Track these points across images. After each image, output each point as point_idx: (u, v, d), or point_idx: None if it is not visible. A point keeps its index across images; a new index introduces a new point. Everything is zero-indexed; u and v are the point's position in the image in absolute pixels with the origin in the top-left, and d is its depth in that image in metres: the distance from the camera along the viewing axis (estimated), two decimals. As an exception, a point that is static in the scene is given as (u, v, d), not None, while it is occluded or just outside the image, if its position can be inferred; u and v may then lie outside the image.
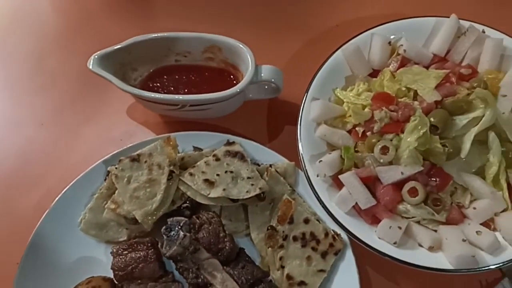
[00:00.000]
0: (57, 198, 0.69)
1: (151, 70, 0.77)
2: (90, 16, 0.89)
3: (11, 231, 0.74)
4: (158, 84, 0.75)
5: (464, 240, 0.59)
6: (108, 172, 0.69)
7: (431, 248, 0.60)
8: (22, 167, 0.77)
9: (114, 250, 0.65)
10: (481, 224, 0.61)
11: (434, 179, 0.63)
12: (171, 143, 0.68)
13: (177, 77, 0.76)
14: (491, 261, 0.58)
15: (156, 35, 0.73)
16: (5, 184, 0.76)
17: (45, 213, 0.68)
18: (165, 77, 0.76)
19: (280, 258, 0.63)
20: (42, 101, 0.82)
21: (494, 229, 0.61)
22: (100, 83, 0.72)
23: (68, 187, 0.69)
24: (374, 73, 0.72)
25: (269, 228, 0.64)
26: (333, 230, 0.63)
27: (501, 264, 0.58)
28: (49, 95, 0.82)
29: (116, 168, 0.66)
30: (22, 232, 0.69)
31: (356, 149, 0.67)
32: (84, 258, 0.67)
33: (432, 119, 0.62)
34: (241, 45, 0.69)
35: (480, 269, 0.58)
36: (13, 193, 0.76)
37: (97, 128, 0.78)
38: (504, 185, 0.62)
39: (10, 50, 0.88)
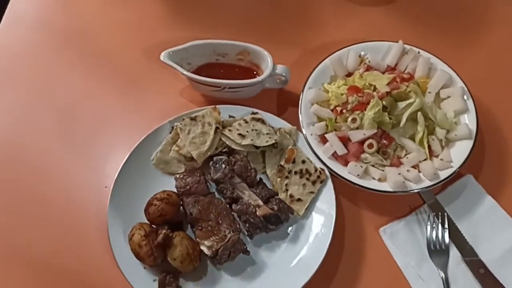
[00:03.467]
0: (137, 143, 1.00)
1: (199, 65, 1.11)
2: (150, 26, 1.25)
3: (100, 163, 1.04)
4: (203, 74, 1.10)
5: (399, 174, 0.95)
6: (172, 127, 1.03)
7: (379, 180, 0.94)
8: (103, 124, 1.10)
9: (178, 176, 0.98)
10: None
11: (383, 140, 1.00)
12: (216, 110, 1.03)
13: (216, 71, 1.12)
14: (414, 187, 0.92)
15: (207, 41, 1.07)
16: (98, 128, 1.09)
17: (129, 152, 1.00)
18: (208, 70, 1.11)
19: (286, 185, 0.98)
20: (117, 83, 1.16)
21: (418, 171, 0.98)
22: (157, 72, 1.09)
23: (144, 137, 1.01)
24: (349, 74, 1.06)
25: (279, 166, 0.99)
26: (320, 168, 0.99)
27: (420, 189, 0.92)
28: (122, 79, 1.16)
29: (180, 124, 1.01)
30: (112, 163, 1.02)
31: (336, 121, 1.03)
32: (154, 183, 0.99)
33: (384, 102, 0.98)
34: (264, 51, 1.04)
35: (408, 191, 0.92)
36: (103, 138, 1.08)
37: (159, 102, 1.11)
38: (426, 145, 0.96)
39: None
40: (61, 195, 1.02)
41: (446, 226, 0.94)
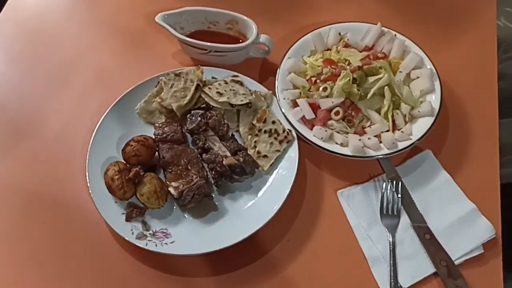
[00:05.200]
0: (124, 93, 1.10)
1: (192, 31, 1.20)
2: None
3: (89, 110, 1.12)
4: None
5: (359, 140, 1.01)
6: (158, 82, 1.12)
7: (341, 145, 0.99)
8: (100, 76, 1.20)
9: (157, 125, 1.06)
10: (373, 137, 1.05)
11: (351, 111, 1.07)
12: (200, 69, 1.11)
13: (207, 38, 1.19)
14: (373, 153, 0.98)
15: (200, 7, 1.16)
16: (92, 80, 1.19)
17: (115, 101, 1.08)
18: (199, 37, 1.20)
19: (255, 142, 1.05)
20: (114, 44, 1.27)
21: (380, 141, 1.04)
22: (153, 36, 1.20)
23: (132, 87, 1.09)
24: (327, 50, 1.17)
25: (251, 124, 1.07)
26: (288, 129, 1.06)
27: (378, 156, 0.99)
28: (120, 40, 1.27)
29: (165, 78, 1.09)
30: (101, 112, 1.11)
31: (309, 90, 1.10)
32: (135, 130, 1.07)
33: (354, 75, 1.06)
34: (250, 20, 1.13)
35: (366, 157, 0.99)
36: (97, 89, 1.17)
37: (151, 63, 1.20)
38: (390, 118, 1.02)
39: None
40: (51, 133, 1.12)
41: (400, 193, 0.99)
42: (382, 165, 1.04)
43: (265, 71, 1.18)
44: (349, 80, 1.04)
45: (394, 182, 1.00)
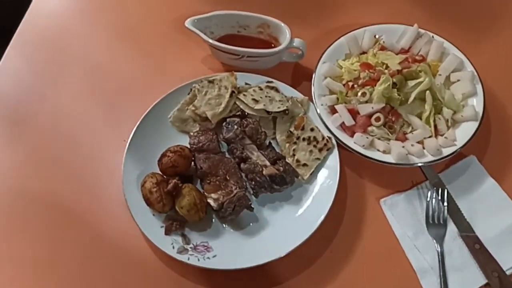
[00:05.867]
0: (156, 101, 1.06)
1: (221, 35, 1.16)
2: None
3: (121, 120, 1.10)
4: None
5: (403, 147, 0.98)
6: (191, 89, 1.09)
7: (384, 152, 0.97)
8: (130, 84, 1.16)
9: (192, 134, 1.03)
10: (415, 143, 1.02)
11: (391, 116, 1.03)
12: (233, 75, 1.08)
13: (237, 42, 1.16)
14: (417, 161, 0.95)
15: (230, 11, 1.13)
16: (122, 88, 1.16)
17: (147, 110, 1.05)
18: (229, 41, 1.17)
19: (293, 150, 1.02)
20: (142, 51, 1.23)
21: (423, 147, 1.01)
22: (182, 42, 1.16)
23: (164, 95, 1.06)
24: (363, 53, 1.13)
25: (288, 132, 1.04)
26: (327, 136, 1.03)
27: (422, 163, 0.95)
28: (148, 46, 1.23)
29: (198, 85, 1.06)
30: (132, 120, 1.08)
31: (346, 95, 1.07)
32: (169, 139, 1.04)
33: (394, 80, 1.02)
34: (283, 24, 1.10)
35: (410, 164, 0.96)
36: (127, 97, 1.14)
37: (181, 68, 1.17)
38: (432, 124, 0.98)
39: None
40: (82, 146, 1.08)
41: (446, 201, 0.96)
42: (424, 172, 1.01)
43: (298, 76, 1.15)
44: (389, 84, 1.00)
45: (440, 190, 0.97)
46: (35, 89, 1.17)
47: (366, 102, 1.02)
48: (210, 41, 1.09)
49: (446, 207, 0.96)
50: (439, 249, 0.93)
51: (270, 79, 1.09)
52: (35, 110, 1.14)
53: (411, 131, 1.01)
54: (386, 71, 1.03)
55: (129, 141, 1.02)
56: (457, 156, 1.00)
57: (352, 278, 0.93)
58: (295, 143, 1.02)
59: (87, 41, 1.25)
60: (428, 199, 0.97)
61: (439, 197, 0.97)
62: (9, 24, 1.28)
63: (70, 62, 1.21)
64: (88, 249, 0.96)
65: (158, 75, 1.17)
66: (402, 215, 0.97)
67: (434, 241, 0.94)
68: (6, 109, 1.15)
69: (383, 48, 1.10)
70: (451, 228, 0.95)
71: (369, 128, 1.01)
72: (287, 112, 1.03)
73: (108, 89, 1.16)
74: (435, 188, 0.98)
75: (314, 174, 1.00)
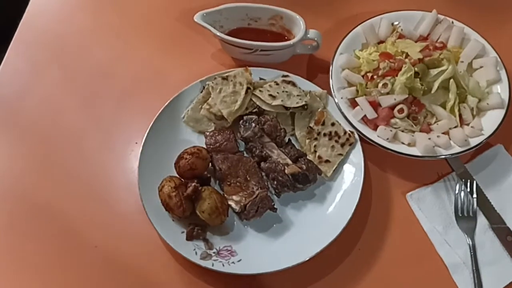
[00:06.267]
0: (168, 101, 1.02)
1: (232, 29, 1.12)
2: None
3: (130, 121, 1.06)
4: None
5: (429, 139, 0.94)
6: (204, 87, 1.04)
7: (409, 144, 0.94)
8: (136, 83, 1.11)
9: (208, 134, 0.99)
10: (440, 134, 0.98)
11: (414, 106, 1.00)
12: (248, 71, 1.04)
13: (248, 35, 1.11)
14: (444, 152, 0.92)
15: (241, 4, 1.08)
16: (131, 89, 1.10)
17: (161, 109, 1.01)
18: (240, 34, 1.12)
19: (314, 146, 0.98)
20: (148, 48, 1.18)
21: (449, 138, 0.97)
22: (190, 37, 1.11)
23: (176, 94, 1.02)
24: (380, 43, 1.07)
25: (308, 127, 1.00)
26: (349, 130, 0.99)
27: (450, 155, 0.92)
28: (155, 42, 1.17)
29: (212, 83, 1.02)
30: (143, 121, 1.04)
31: (366, 87, 1.03)
32: (184, 140, 1.01)
33: (416, 69, 0.98)
34: (297, 16, 1.05)
35: (437, 156, 0.93)
36: (136, 97, 1.09)
37: (190, 65, 1.12)
38: (457, 113, 0.96)
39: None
40: (94, 148, 1.04)
41: (475, 193, 0.93)
42: (450, 164, 0.98)
43: (313, 69, 1.11)
44: (411, 74, 0.97)
45: (468, 181, 0.94)
46: (37, 90, 1.12)
47: (388, 93, 0.98)
48: (222, 35, 1.04)
49: (475, 199, 0.93)
50: (470, 243, 0.90)
51: (286, 73, 1.05)
52: (37, 112, 1.09)
53: (435, 122, 0.98)
54: (407, 60, 0.99)
55: (142, 143, 0.97)
56: (484, 145, 0.96)
57: (382, 276, 0.90)
58: (316, 139, 0.98)
59: (89, 40, 1.19)
60: (457, 191, 0.94)
61: (468, 189, 0.94)
62: (8, 25, 1.22)
63: (72, 62, 1.16)
64: (104, 255, 0.93)
65: (167, 73, 1.12)
66: (430, 209, 0.94)
67: (465, 234, 0.91)
68: (8, 111, 1.10)
69: (401, 36, 1.06)
70: (482, 220, 0.93)
71: (392, 121, 0.97)
72: (306, 107, 0.99)
73: (114, 90, 1.11)
74: (463, 180, 0.95)
75: (337, 171, 0.96)
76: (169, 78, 1.11)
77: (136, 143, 1.03)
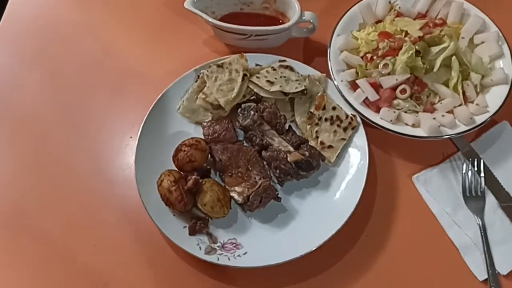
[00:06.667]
0: (162, 92, 0.97)
1: (223, 14, 1.08)
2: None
3: (123, 115, 1.02)
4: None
5: (434, 119, 0.92)
6: (198, 76, 1.00)
7: (413, 125, 0.91)
8: (128, 74, 1.07)
9: (205, 124, 0.96)
10: (444, 113, 0.96)
11: (416, 86, 0.97)
12: (244, 57, 1.00)
13: (241, 20, 1.07)
14: (450, 132, 0.90)
15: (232, -12, 1.05)
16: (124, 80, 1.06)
17: (154, 101, 0.97)
18: (233, 20, 1.08)
19: (316, 132, 0.95)
20: (138, 38, 1.13)
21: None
22: (179, 24, 1.08)
23: (170, 86, 0.98)
24: (378, 22, 1.05)
25: (309, 113, 0.97)
26: (351, 114, 0.96)
27: (456, 134, 0.90)
28: (144, 31, 1.12)
29: (207, 71, 0.98)
30: (136, 114, 1.00)
31: (366, 68, 1.00)
32: (181, 132, 0.97)
33: (416, 47, 0.95)
34: (291, -3, 1.03)
35: (443, 136, 0.90)
36: (128, 89, 1.05)
37: (182, 53, 1.08)
38: (460, 91, 0.93)
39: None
40: (87, 144, 1.00)
41: (482, 172, 0.91)
42: (456, 143, 0.95)
43: (310, 52, 1.07)
44: (412, 53, 0.94)
45: (475, 160, 0.92)
46: (27, 84, 1.07)
47: (389, 74, 0.95)
48: (214, 21, 1.00)
49: (482, 178, 0.91)
50: (480, 223, 0.88)
51: (283, 58, 1.01)
52: (26, 107, 1.04)
53: (439, 101, 0.95)
54: (407, 39, 0.96)
55: (138, 138, 0.93)
56: (489, 123, 0.94)
57: (391, 261, 0.88)
58: (317, 124, 0.95)
59: (77, 29, 1.14)
60: (464, 171, 0.92)
61: (475, 168, 0.92)
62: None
63: (61, 53, 1.11)
64: (103, 254, 0.89)
65: (158, 63, 1.08)
66: (438, 191, 0.92)
67: (474, 215, 0.89)
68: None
69: (399, 15, 1.03)
70: (490, 199, 0.91)
71: (395, 102, 0.95)
72: (305, 92, 0.96)
73: (104, 82, 1.07)
74: (469, 159, 0.93)
75: (340, 156, 0.93)
76: (161, 68, 1.06)
77: (131, 137, 0.99)
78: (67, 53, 1.11)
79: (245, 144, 0.95)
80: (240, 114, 0.95)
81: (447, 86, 0.95)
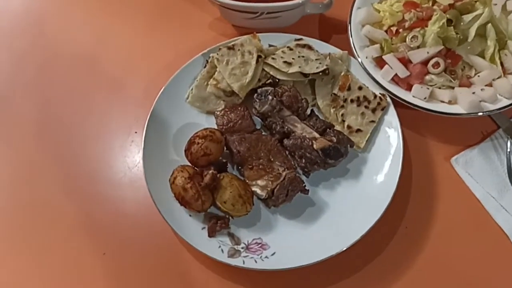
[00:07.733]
0: (168, 81, 0.89)
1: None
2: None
3: (126, 109, 0.93)
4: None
5: (473, 93, 0.83)
6: (207, 61, 0.91)
7: (450, 102, 0.83)
8: (130, 63, 0.98)
9: (218, 113, 0.87)
10: (483, 87, 0.87)
11: (448, 59, 0.88)
12: (256, 37, 0.90)
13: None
14: (491, 107, 0.81)
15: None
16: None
17: (160, 91, 0.87)
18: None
19: (342, 115, 0.86)
20: (139, 23, 1.03)
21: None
22: (182, 7, 0.99)
23: (176, 73, 0.90)
24: (401, -8, 0.97)
25: (332, 94, 0.87)
26: (380, 93, 0.87)
27: (498, 109, 0.81)
28: (146, 16, 1.03)
29: (217, 54, 0.88)
30: (140, 107, 0.92)
31: (392, 42, 0.91)
32: (191, 123, 0.88)
33: (448, 15, 0.87)
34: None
35: (484, 112, 0.82)
36: (128, 81, 0.96)
37: (187, 38, 0.98)
38: (498, 61, 0.85)
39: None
40: (88, 143, 0.91)
41: (528, 150, 0.82)
42: (495, 120, 0.86)
43: (326, 29, 0.99)
44: (444, 23, 0.85)
45: (519, 137, 0.83)
46: (19, 80, 0.98)
47: (418, 47, 0.86)
48: (221, 0, 0.91)
49: (529, 157, 0.82)
50: (530, 206, 0.79)
51: (299, 36, 0.92)
52: (21, 106, 0.95)
53: (476, 74, 0.86)
54: (435, 7, 0.87)
55: (144, 132, 0.84)
56: (531, 95, 0.85)
57: (435, 254, 0.79)
58: (342, 106, 0.86)
59: (70, 20, 1.05)
60: (508, 150, 0.83)
61: (519, 146, 0.83)
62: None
63: (54, 46, 1.02)
64: (113, 263, 0.80)
65: (161, 51, 0.99)
66: (480, 173, 0.83)
67: (523, 197, 0.80)
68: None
69: (424, -16, 0.94)
70: (539, 180, 0.82)
71: (427, 77, 0.86)
72: (327, 72, 0.86)
73: (102, 74, 0.98)
74: (511, 136, 0.84)
75: (370, 140, 0.84)
76: (164, 56, 0.97)
77: (136, 132, 0.90)
78: (58, 45, 1.01)
79: (263, 132, 0.86)
80: (257, 100, 0.85)
81: (483, 57, 0.87)
